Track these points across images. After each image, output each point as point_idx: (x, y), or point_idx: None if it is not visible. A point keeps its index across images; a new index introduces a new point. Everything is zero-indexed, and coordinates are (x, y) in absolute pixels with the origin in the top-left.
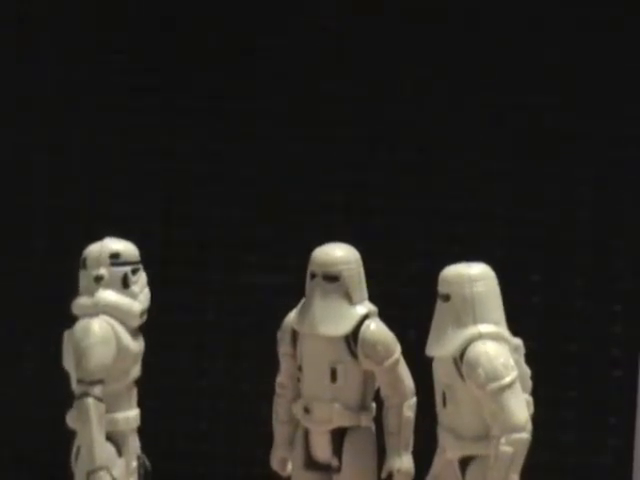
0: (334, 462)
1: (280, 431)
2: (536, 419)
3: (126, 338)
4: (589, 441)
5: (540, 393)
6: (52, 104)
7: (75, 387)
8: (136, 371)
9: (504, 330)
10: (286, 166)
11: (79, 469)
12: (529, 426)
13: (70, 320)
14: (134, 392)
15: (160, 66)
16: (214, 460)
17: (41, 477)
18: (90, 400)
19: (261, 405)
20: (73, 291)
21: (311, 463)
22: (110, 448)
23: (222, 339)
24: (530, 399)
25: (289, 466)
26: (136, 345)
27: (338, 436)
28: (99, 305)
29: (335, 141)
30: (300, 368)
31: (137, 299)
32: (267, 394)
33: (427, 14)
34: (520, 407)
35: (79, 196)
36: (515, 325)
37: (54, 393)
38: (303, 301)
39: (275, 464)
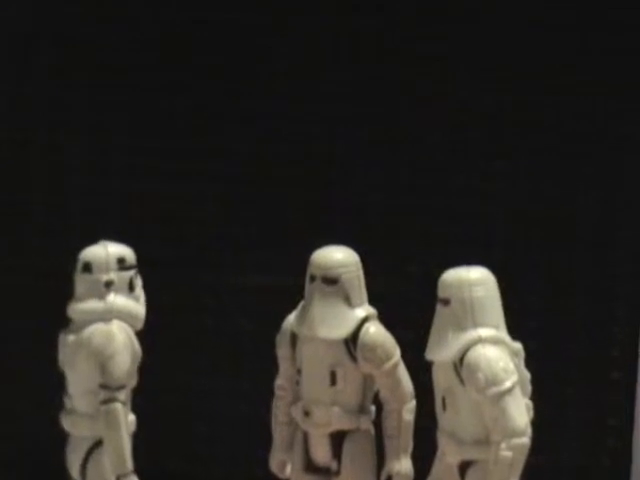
0: (333, 465)
1: (279, 434)
2: (535, 420)
3: (136, 343)
4: (588, 442)
5: (539, 394)
6: (52, 103)
7: (77, 391)
8: (136, 376)
9: (504, 334)
10: (286, 166)
11: (95, 474)
12: (529, 431)
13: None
14: (130, 398)
15: (160, 65)
16: (213, 462)
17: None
18: (118, 405)
19: (260, 407)
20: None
21: (310, 466)
22: None
23: (221, 341)
24: (530, 403)
25: (288, 469)
26: (140, 350)
27: (337, 439)
28: (113, 310)
29: (335, 140)
30: (299, 371)
31: (139, 302)
32: (266, 396)
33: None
34: (520, 412)
35: (78, 195)
36: (514, 326)
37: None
38: (302, 304)
39: (274, 467)
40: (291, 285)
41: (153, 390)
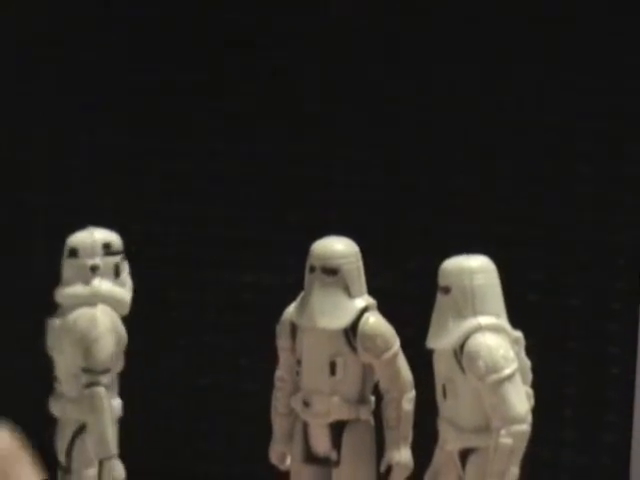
0: (333, 455)
1: (279, 425)
2: (534, 416)
3: (121, 327)
4: (587, 439)
5: (537, 391)
6: (52, 102)
7: (63, 375)
8: (123, 360)
9: (504, 322)
10: (286, 165)
11: (80, 457)
12: (529, 418)
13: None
14: (117, 382)
15: (160, 64)
16: (214, 458)
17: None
18: (101, 389)
19: (261, 402)
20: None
21: (310, 457)
22: None
23: (221, 337)
24: (530, 391)
25: (288, 460)
26: (125, 334)
27: (337, 429)
28: (98, 295)
29: (334, 140)
30: (299, 361)
31: (126, 288)
32: (266, 391)
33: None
34: (520, 399)
35: (78, 195)
36: (513, 322)
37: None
38: (302, 295)
39: (274, 458)
40: (291, 281)
41: (153, 386)
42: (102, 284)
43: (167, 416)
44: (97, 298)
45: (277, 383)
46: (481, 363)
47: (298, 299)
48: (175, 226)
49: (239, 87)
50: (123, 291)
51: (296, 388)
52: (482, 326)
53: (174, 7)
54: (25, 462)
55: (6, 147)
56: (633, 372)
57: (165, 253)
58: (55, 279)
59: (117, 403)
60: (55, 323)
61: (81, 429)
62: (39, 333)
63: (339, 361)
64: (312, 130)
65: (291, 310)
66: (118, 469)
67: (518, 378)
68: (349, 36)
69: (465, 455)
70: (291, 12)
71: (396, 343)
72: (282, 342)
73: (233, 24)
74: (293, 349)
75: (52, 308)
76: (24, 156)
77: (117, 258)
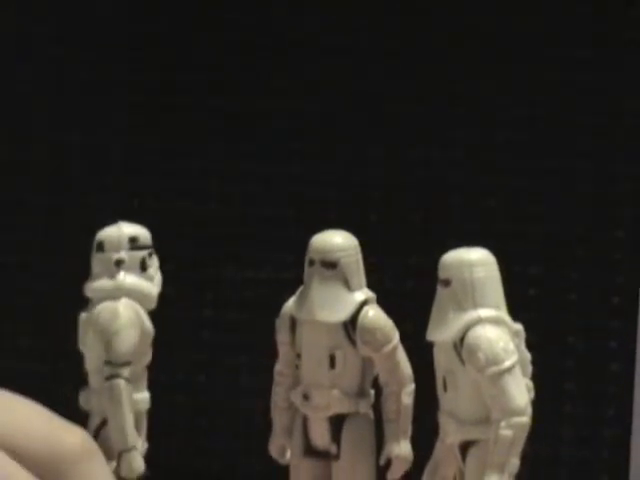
0: (333, 449)
1: (279, 419)
2: (533, 411)
3: (147, 321)
4: (586, 434)
5: (537, 386)
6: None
7: (90, 368)
8: (150, 354)
9: (504, 314)
10: (285, 163)
11: (103, 450)
12: (529, 410)
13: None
14: (146, 375)
15: (160, 64)
16: (214, 454)
17: None
18: (121, 381)
19: (262, 398)
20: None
21: (310, 450)
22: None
23: (220, 335)
24: (530, 384)
25: (288, 454)
26: (152, 328)
27: (337, 423)
28: (122, 288)
29: (334, 139)
30: (299, 355)
31: (153, 282)
32: (267, 387)
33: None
34: (520, 391)
35: (78, 195)
36: (513, 318)
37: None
38: (301, 288)
39: (274, 452)
40: (291, 279)
41: (152, 384)
42: (126, 278)
43: (168, 413)
44: (121, 292)
45: (276, 377)
46: (481, 355)
47: (297, 293)
48: (175, 225)
49: (239, 87)
50: (150, 285)
51: (296, 382)
52: (482, 318)
53: (174, 7)
54: (100, 461)
55: (6, 147)
56: (633, 367)
57: (165, 252)
58: (55, 279)
59: (144, 396)
60: (83, 317)
61: (105, 422)
62: (38, 333)
63: (338, 354)
64: (312, 130)
65: (290, 304)
66: (137, 461)
67: (518, 370)
68: (349, 36)
69: (465, 448)
70: (291, 12)
71: (395, 336)
72: (281, 336)
73: (233, 24)
74: (293, 343)
75: (51, 309)
76: (24, 156)
77: (144, 252)
